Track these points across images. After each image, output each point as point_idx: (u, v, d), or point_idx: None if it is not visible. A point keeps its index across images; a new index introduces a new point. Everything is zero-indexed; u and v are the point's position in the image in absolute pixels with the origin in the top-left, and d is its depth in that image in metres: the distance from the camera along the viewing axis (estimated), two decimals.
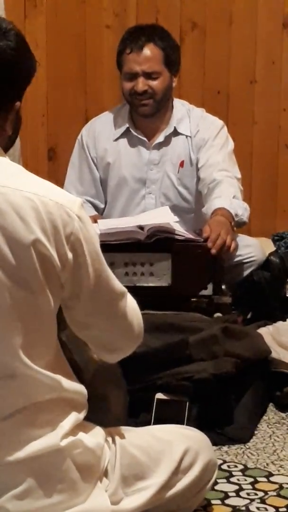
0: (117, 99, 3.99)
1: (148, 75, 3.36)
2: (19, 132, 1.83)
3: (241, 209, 3.23)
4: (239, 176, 3.41)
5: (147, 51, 3.36)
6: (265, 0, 4.08)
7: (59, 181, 3.57)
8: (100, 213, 3.55)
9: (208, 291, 2.99)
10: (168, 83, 3.40)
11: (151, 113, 3.41)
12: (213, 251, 2.95)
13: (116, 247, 2.93)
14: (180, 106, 3.51)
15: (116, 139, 3.52)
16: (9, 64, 1.71)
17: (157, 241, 2.97)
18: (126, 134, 3.51)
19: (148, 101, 3.38)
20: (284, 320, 3.14)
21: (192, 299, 2.98)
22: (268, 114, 4.16)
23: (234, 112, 4.14)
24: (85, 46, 4.19)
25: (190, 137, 3.47)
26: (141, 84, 3.35)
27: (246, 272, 3.41)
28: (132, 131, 3.49)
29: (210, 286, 2.99)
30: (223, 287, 3.07)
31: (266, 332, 3.01)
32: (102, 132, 3.53)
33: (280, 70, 4.12)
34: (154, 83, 3.37)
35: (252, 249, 3.44)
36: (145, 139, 3.49)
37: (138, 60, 3.35)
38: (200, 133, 3.45)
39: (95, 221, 3.11)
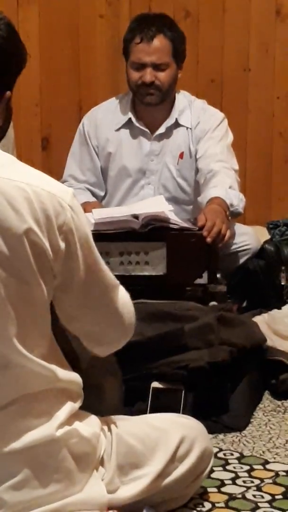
0: (110, 88, 3.99)
1: (157, 67, 3.35)
2: (10, 122, 1.82)
3: (236, 199, 3.22)
4: (237, 168, 3.40)
5: (157, 42, 3.35)
6: None
7: (53, 171, 3.56)
8: (100, 201, 3.55)
9: (203, 279, 2.99)
10: (175, 75, 3.40)
11: (156, 103, 3.41)
12: (209, 239, 2.95)
13: (111, 237, 2.93)
14: (182, 98, 3.51)
15: (118, 129, 3.51)
16: (0, 54, 1.70)
17: (152, 230, 2.96)
18: (128, 124, 3.50)
19: (155, 91, 3.38)
20: (279, 308, 3.15)
21: (187, 288, 2.98)
22: (262, 102, 4.16)
23: (228, 100, 4.13)
24: (78, 35, 4.17)
25: (190, 128, 3.47)
26: (149, 75, 3.35)
27: (241, 261, 3.42)
28: (135, 122, 3.48)
29: (205, 275, 2.99)
30: (218, 275, 3.07)
31: (261, 320, 3.01)
32: (103, 121, 3.52)
33: (274, 58, 4.11)
34: (161, 75, 3.36)
35: (247, 237, 3.45)
36: (147, 130, 3.49)
37: (148, 51, 3.35)
38: (200, 125, 3.45)
39: (87, 210, 3.10)
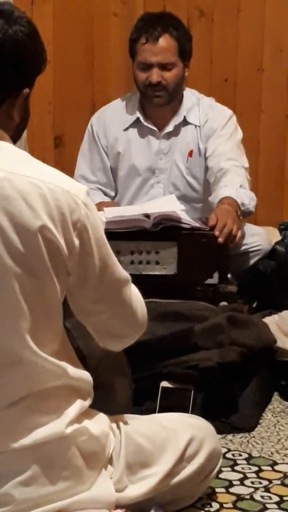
0: (124, 87, 3.99)
1: (163, 66, 3.35)
2: (27, 121, 1.83)
3: (247, 199, 3.22)
4: (247, 165, 3.40)
5: (163, 42, 3.35)
6: None
7: (66, 169, 3.53)
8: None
9: (214, 279, 2.99)
10: (182, 74, 3.39)
11: (164, 103, 3.41)
12: (220, 239, 2.94)
13: (122, 235, 2.93)
14: (190, 96, 3.50)
15: (126, 129, 3.51)
16: (20, 47, 1.71)
17: (163, 230, 2.96)
18: (136, 123, 3.51)
19: (162, 92, 3.38)
20: None
21: (198, 288, 2.97)
22: (275, 102, 4.15)
23: (241, 100, 4.13)
24: (92, 33, 4.17)
25: (199, 126, 3.46)
26: (155, 75, 3.35)
27: (252, 261, 3.41)
28: (143, 121, 3.48)
29: (215, 275, 2.99)
30: (229, 276, 3.06)
31: (272, 321, 3.01)
32: (112, 121, 3.53)
33: None
34: (168, 75, 3.36)
35: (258, 238, 3.44)
36: (155, 128, 3.48)
37: (154, 51, 3.34)
38: (208, 123, 3.44)
39: (100, 209, 3.10)
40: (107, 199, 3.50)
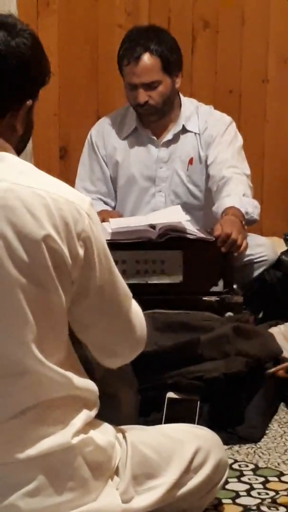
0: None
1: (148, 86, 3.35)
2: (31, 133, 1.83)
3: (251, 207, 3.22)
4: (248, 172, 3.40)
5: (144, 61, 3.34)
6: (277, 0, 4.07)
7: (71, 180, 3.57)
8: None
9: (219, 287, 2.99)
10: (170, 88, 3.38)
11: (156, 119, 3.43)
12: (223, 249, 2.95)
13: (128, 245, 2.93)
14: (188, 104, 3.51)
15: (125, 138, 3.52)
16: (23, 60, 1.72)
17: (169, 239, 2.97)
18: (134, 133, 3.51)
19: (151, 111, 3.39)
20: None
21: (204, 298, 2.97)
22: (280, 113, 4.15)
23: (246, 111, 4.13)
24: (97, 45, 4.18)
25: (198, 134, 3.47)
26: (141, 96, 3.35)
27: (257, 272, 3.41)
28: (140, 130, 3.49)
29: (220, 283, 2.99)
30: (235, 286, 3.06)
31: (278, 331, 3.00)
32: (111, 131, 3.53)
33: None
34: (154, 93, 3.36)
35: (264, 248, 3.44)
36: (153, 137, 3.49)
37: (136, 72, 3.34)
38: (208, 130, 3.45)
39: (105, 219, 3.11)
40: (108, 209, 3.50)
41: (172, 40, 3.41)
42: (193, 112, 3.49)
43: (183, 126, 3.47)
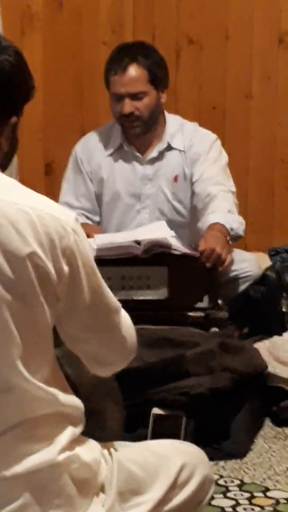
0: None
1: (134, 96, 3.36)
2: (16, 149, 1.83)
3: (236, 223, 3.23)
4: (234, 189, 3.41)
5: (131, 72, 3.36)
6: (261, 16, 4.10)
7: (56, 196, 3.58)
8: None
9: (204, 303, 2.99)
10: (155, 101, 3.39)
11: (140, 133, 3.43)
12: (208, 264, 2.96)
13: (113, 261, 2.93)
14: (172, 121, 3.52)
15: (110, 155, 3.52)
16: (6, 78, 1.72)
17: (154, 255, 2.97)
18: (119, 150, 3.52)
19: (136, 122, 3.39)
20: (281, 335, 3.14)
21: (189, 314, 2.98)
22: (264, 129, 4.18)
23: (230, 127, 4.15)
24: (81, 62, 4.20)
25: (183, 151, 3.47)
26: (127, 106, 3.35)
27: (242, 287, 3.42)
28: (125, 147, 3.50)
29: (206, 299, 3.00)
30: (220, 301, 3.07)
31: (263, 346, 3.01)
32: (95, 148, 3.54)
33: (276, 86, 4.14)
34: (139, 104, 3.36)
35: (248, 264, 3.45)
36: (138, 154, 3.50)
37: (122, 82, 3.35)
38: (193, 148, 3.46)
39: (89, 235, 3.11)
40: (92, 224, 3.50)
41: (160, 57, 3.44)
42: (178, 129, 3.50)
43: (168, 143, 3.47)
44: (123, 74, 3.35)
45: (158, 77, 3.40)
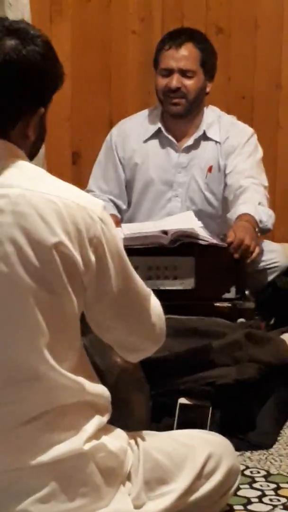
0: (141, 104, 3.99)
1: (183, 73, 3.36)
2: (44, 139, 1.83)
3: (265, 216, 3.22)
4: (266, 184, 3.40)
5: (185, 49, 3.37)
6: None
7: (83, 185, 3.58)
8: (122, 214, 3.55)
9: (231, 294, 2.99)
10: (202, 84, 3.40)
11: (182, 113, 3.41)
12: (236, 255, 2.95)
13: (140, 251, 2.93)
14: (210, 112, 3.51)
15: (146, 140, 3.52)
16: (34, 68, 1.71)
17: (181, 245, 2.97)
18: (156, 135, 3.51)
19: (180, 100, 3.38)
20: None
21: (216, 304, 2.97)
22: None
23: (259, 117, 4.13)
24: (110, 51, 4.19)
25: (219, 143, 3.46)
26: (175, 81, 3.35)
27: (270, 278, 3.41)
28: (164, 131, 3.49)
29: (233, 289, 2.99)
30: (247, 292, 3.06)
31: None
32: (132, 133, 3.54)
33: None
34: (188, 82, 3.37)
35: (276, 254, 3.44)
36: (174, 141, 3.49)
37: (176, 57, 3.36)
38: (229, 140, 3.45)
39: (118, 224, 3.11)
40: (116, 213, 3.50)
41: (213, 48, 3.47)
42: (215, 121, 3.49)
43: (204, 132, 3.46)
44: (178, 49, 3.37)
45: (209, 64, 3.42)
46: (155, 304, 1.87)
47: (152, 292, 1.86)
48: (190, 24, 3.98)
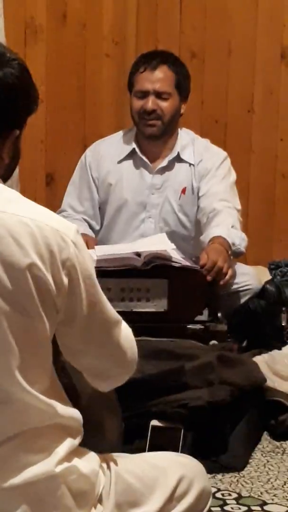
0: (115, 126, 4.02)
1: (159, 95, 3.39)
2: (18, 161, 1.83)
3: (238, 239, 3.24)
4: (239, 207, 3.42)
5: (160, 71, 3.41)
6: (264, 31, 4.11)
7: (57, 206, 3.59)
8: (95, 234, 3.56)
9: (204, 316, 3.00)
10: (177, 106, 3.43)
11: (157, 134, 3.43)
12: (209, 277, 2.96)
13: (113, 273, 2.94)
14: (185, 135, 3.54)
15: (120, 161, 3.53)
16: (9, 91, 1.72)
17: (154, 267, 2.97)
18: (131, 156, 3.53)
19: (156, 122, 3.40)
20: (280, 349, 3.14)
21: (188, 326, 2.98)
22: (265, 143, 4.18)
23: (232, 141, 4.16)
24: (84, 73, 4.21)
25: (193, 165, 3.48)
26: (151, 103, 3.38)
27: (242, 300, 3.42)
28: (138, 152, 3.50)
29: (205, 312, 3.00)
30: (219, 314, 3.07)
31: (262, 360, 3.01)
32: (106, 154, 3.55)
33: (278, 100, 4.15)
34: (163, 104, 3.39)
35: (248, 277, 3.45)
36: (148, 162, 3.51)
37: (151, 79, 3.39)
38: (203, 163, 3.47)
39: (89, 246, 3.11)
40: (90, 232, 3.51)
41: (187, 71, 3.50)
42: (189, 143, 3.52)
43: (178, 154, 3.49)
44: (153, 71, 3.40)
45: (183, 85, 3.45)
46: (126, 332, 1.86)
47: (123, 320, 1.86)
48: (164, 48, 4.01)
